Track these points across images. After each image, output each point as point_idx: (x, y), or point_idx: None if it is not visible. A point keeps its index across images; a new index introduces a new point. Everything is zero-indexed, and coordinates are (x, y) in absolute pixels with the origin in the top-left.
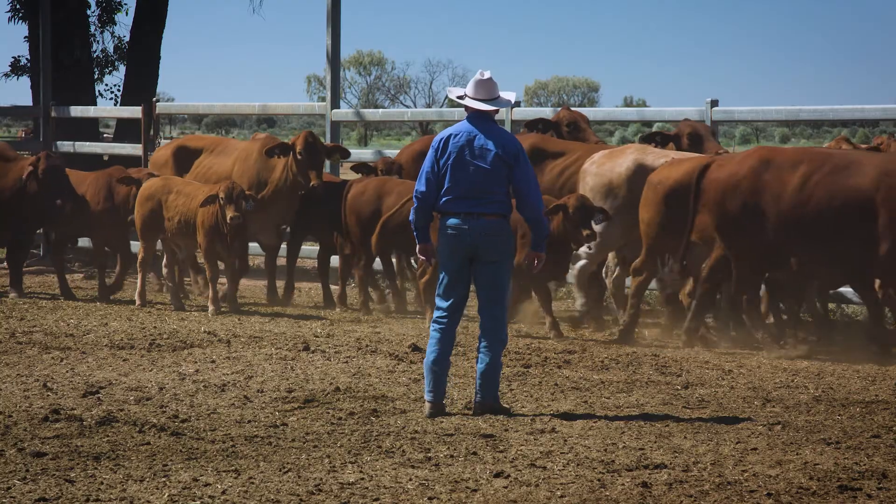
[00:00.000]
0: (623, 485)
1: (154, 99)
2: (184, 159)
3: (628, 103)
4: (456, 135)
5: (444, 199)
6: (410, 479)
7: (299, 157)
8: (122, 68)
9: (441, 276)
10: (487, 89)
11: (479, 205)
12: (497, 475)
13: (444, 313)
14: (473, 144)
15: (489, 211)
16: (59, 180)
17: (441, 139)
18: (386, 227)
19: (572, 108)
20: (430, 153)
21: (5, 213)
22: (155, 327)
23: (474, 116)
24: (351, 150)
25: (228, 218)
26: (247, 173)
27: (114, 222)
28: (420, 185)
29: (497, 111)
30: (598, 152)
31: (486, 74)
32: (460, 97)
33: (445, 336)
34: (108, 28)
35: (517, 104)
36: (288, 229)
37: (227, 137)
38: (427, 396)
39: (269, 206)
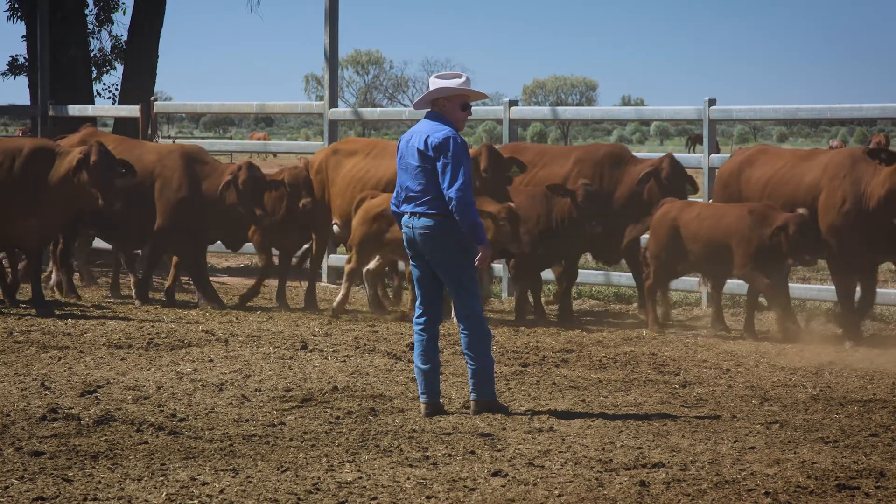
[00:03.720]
0: (621, 484)
1: (152, 98)
2: (337, 164)
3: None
4: (404, 137)
5: (400, 200)
6: (408, 479)
7: (484, 174)
8: (120, 67)
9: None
10: (436, 85)
11: (419, 204)
12: (495, 474)
13: (420, 310)
14: (409, 143)
15: (426, 210)
16: (258, 191)
17: (398, 143)
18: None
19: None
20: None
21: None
22: (153, 326)
23: (426, 114)
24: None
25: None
26: None
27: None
28: (394, 192)
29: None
30: None
31: (434, 77)
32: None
33: (426, 335)
34: (105, 27)
35: (515, 103)
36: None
37: (381, 139)
38: (421, 398)
39: None
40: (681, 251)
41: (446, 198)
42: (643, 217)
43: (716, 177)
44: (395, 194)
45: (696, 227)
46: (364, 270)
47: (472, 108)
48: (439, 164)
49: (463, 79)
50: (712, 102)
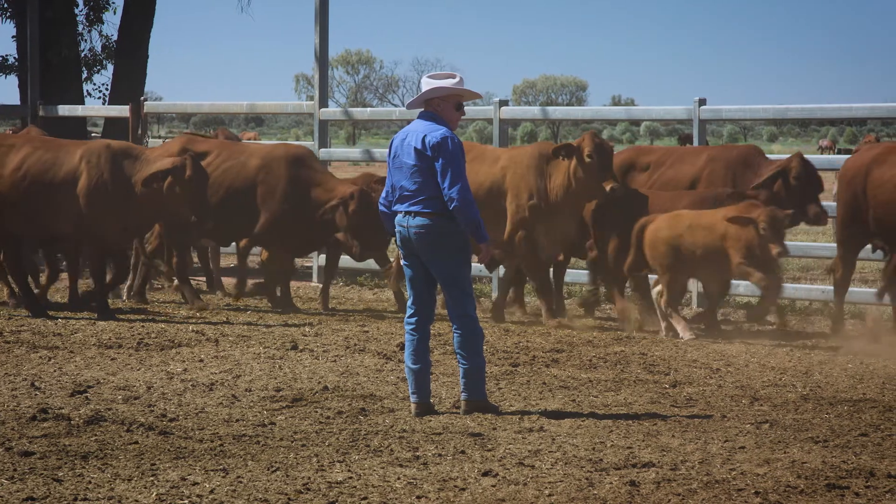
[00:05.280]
0: (611, 483)
1: (142, 98)
2: None
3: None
4: (398, 136)
5: (394, 199)
6: (398, 478)
7: (588, 160)
8: (111, 67)
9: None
10: (429, 85)
11: (414, 203)
12: (485, 474)
13: (411, 310)
14: (404, 142)
15: (421, 209)
16: (363, 223)
17: (391, 142)
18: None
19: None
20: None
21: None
22: (143, 326)
23: (419, 114)
24: (339, 150)
25: None
26: (521, 181)
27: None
28: (382, 191)
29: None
30: None
31: (426, 77)
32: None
33: (417, 335)
34: (95, 27)
35: (505, 103)
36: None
37: (475, 143)
38: (412, 398)
39: (548, 218)
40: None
41: (446, 198)
42: None
43: (839, 174)
44: (384, 193)
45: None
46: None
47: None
48: (438, 165)
49: (457, 79)
50: (702, 102)
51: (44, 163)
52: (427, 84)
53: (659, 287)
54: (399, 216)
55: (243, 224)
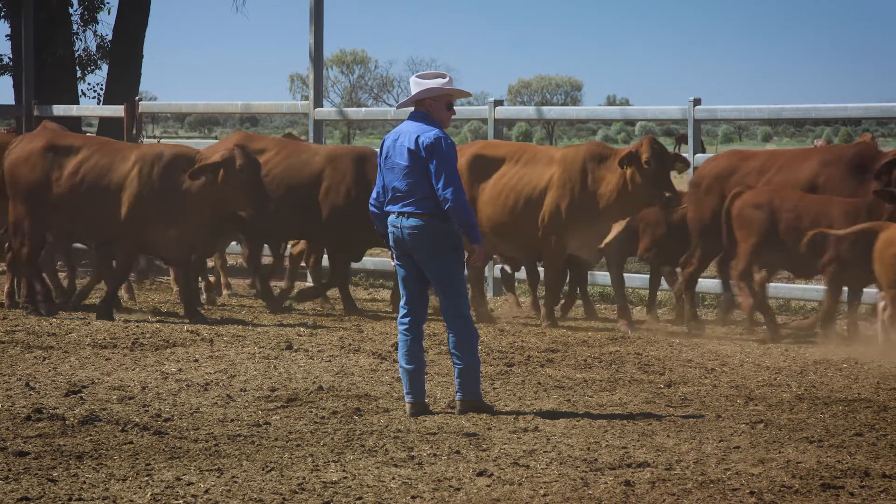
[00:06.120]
0: (606, 483)
1: (137, 98)
2: (482, 169)
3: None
4: (390, 136)
5: (385, 200)
6: (393, 478)
7: (646, 165)
8: (105, 67)
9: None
10: (419, 85)
11: (407, 203)
12: (480, 474)
13: (404, 310)
14: (396, 143)
15: (414, 210)
16: None
17: (382, 142)
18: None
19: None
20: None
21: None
22: (137, 326)
23: (410, 114)
24: None
25: None
26: (573, 184)
27: None
28: (373, 192)
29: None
30: None
31: (416, 77)
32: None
33: (410, 335)
34: (90, 27)
35: (501, 103)
36: None
37: (527, 143)
38: (406, 398)
39: (597, 222)
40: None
41: (441, 199)
42: None
43: None
44: (374, 194)
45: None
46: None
47: (458, 107)
48: (432, 165)
49: (447, 79)
50: (697, 102)
51: (100, 167)
52: (416, 84)
53: (884, 303)
54: (392, 217)
55: (301, 223)
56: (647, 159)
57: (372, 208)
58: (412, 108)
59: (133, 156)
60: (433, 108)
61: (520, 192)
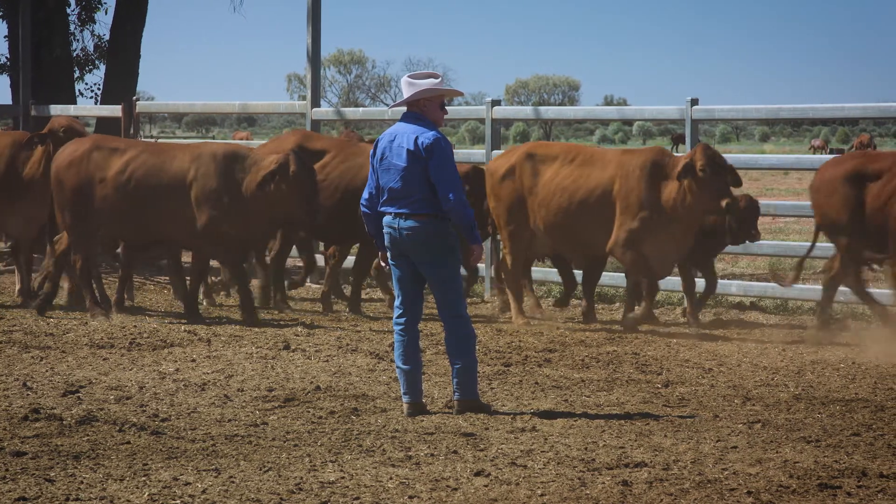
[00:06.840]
0: (603, 483)
1: (134, 98)
2: (535, 170)
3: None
4: (385, 137)
5: (381, 201)
6: (391, 478)
7: (700, 173)
8: (103, 67)
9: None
10: (412, 85)
11: (405, 205)
12: (477, 474)
13: (399, 311)
14: (393, 144)
15: (413, 210)
16: None
17: (376, 143)
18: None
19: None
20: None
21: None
22: (135, 326)
23: (404, 115)
24: None
25: None
26: (631, 189)
27: None
28: (364, 192)
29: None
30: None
31: (407, 78)
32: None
33: (406, 335)
34: (88, 27)
35: (498, 103)
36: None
37: (580, 144)
38: (404, 398)
39: (659, 231)
40: None
41: (441, 199)
42: None
43: None
44: (366, 195)
45: None
46: None
47: (457, 107)
48: (432, 166)
49: (439, 79)
50: (695, 102)
51: (150, 167)
52: (408, 84)
53: None
54: (388, 217)
55: (357, 227)
56: (701, 167)
57: (364, 209)
58: (405, 109)
59: (188, 156)
60: (427, 108)
61: (573, 194)
